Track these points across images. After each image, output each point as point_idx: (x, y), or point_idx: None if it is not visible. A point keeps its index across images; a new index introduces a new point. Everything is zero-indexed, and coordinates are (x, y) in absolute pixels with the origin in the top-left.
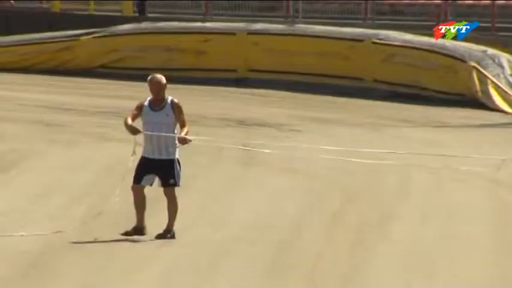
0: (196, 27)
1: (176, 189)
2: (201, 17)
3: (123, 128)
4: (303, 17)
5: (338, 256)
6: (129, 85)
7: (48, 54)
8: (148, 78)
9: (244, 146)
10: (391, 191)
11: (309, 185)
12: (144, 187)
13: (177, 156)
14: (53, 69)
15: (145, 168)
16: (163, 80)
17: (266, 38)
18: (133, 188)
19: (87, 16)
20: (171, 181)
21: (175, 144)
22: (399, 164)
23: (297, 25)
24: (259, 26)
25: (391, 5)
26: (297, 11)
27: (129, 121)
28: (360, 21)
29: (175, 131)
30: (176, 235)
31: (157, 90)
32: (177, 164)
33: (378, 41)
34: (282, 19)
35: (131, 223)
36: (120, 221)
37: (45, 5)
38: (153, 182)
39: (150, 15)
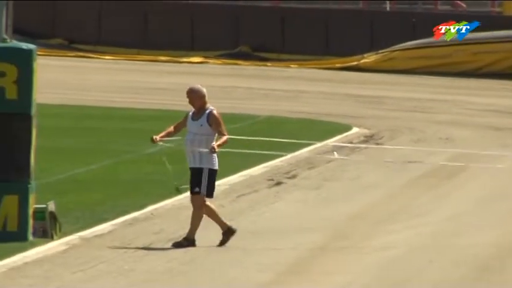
0: None
1: None
2: None
3: None
4: None
5: None
6: None
7: (501, 54)
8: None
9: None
10: None
11: None
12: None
13: (211, 166)
14: (504, 71)
15: (191, 177)
16: (199, 91)
17: None
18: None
19: None
20: (196, 189)
21: (203, 153)
22: None
23: None
24: None
25: None
26: None
27: (171, 129)
28: None
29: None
30: None
31: (190, 100)
32: (209, 174)
33: None
34: None
35: None
36: None
37: (496, 9)
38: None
39: None
